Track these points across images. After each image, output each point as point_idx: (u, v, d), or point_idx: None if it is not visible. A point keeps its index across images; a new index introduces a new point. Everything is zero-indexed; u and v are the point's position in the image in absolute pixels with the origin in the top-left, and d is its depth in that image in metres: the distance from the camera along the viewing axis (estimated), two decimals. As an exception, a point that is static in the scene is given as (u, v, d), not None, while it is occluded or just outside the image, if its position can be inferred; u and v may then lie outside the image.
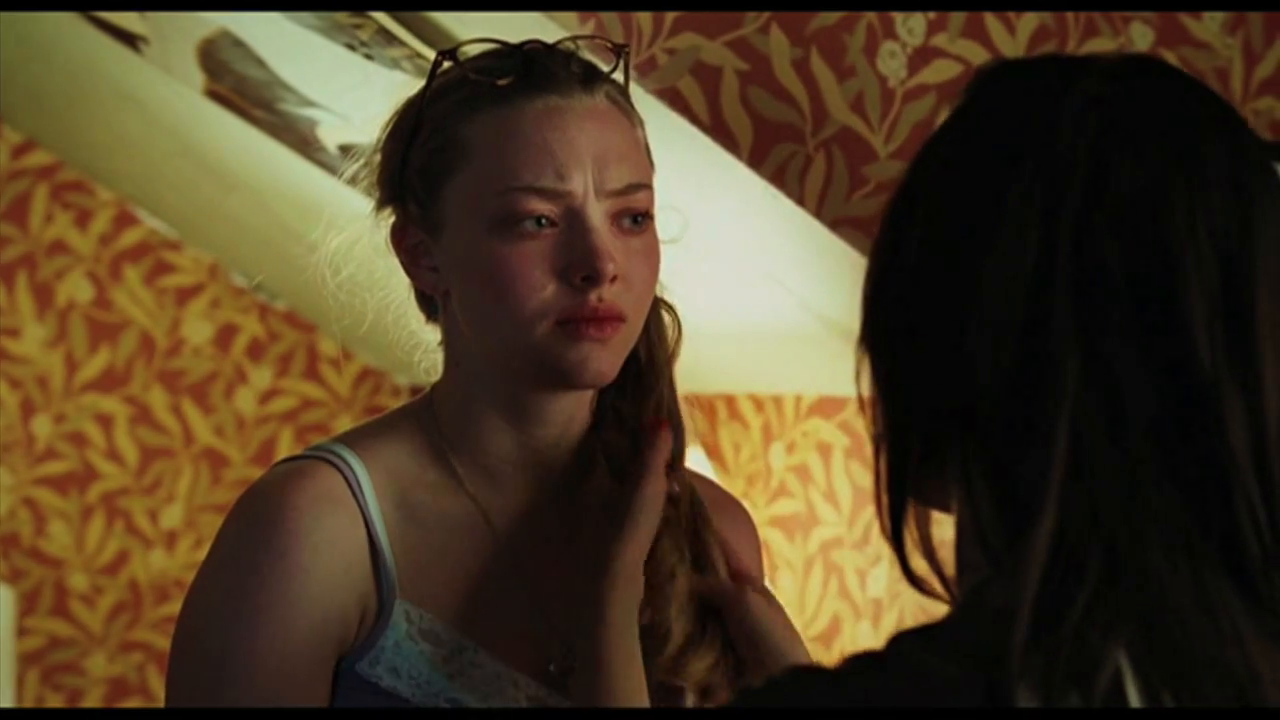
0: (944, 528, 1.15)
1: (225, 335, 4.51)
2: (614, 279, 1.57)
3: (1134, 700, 1.03)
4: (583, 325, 1.57)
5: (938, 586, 1.13)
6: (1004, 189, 1.09)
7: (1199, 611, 1.05)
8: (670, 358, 1.70)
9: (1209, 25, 2.50)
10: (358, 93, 2.93)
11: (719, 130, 2.36)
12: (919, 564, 1.14)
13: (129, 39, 3.39)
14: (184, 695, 1.58)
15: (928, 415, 1.11)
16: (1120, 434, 1.06)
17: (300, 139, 3.38)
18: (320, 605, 1.57)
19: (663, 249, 1.64)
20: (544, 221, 1.57)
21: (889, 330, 1.13)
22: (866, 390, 1.15)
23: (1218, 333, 1.07)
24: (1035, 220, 1.08)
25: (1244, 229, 1.08)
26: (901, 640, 1.07)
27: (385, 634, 1.59)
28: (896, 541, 1.14)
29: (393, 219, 1.66)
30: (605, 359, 1.59)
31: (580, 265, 1.57)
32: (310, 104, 3.23)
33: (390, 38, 2.70)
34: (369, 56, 2.81)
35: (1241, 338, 1.07)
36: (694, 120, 2.34)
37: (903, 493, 1.14)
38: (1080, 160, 1.09)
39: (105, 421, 4.45)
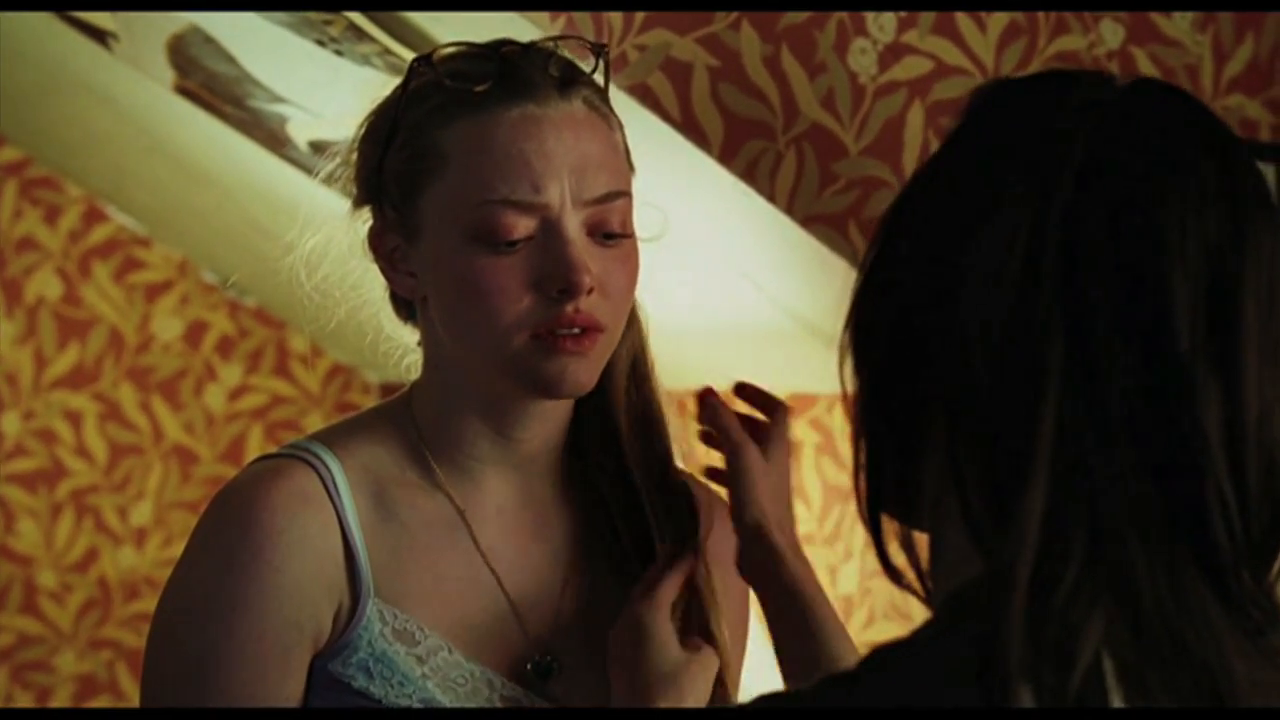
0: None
1: (195, 332, 4.50)
2: (591, 290, 1.56)
3: (1112, 688, 1.04)
4: (560, 338, 1.56)
5: (914, 579, 1.14)
6: (995, 181, 1.10)
7: (1173, 602, 1.06)
8: (650, 360, 1.70)
9: (1179, 23, 2.51)
10: (328, 89, 2.92)
11: (690, 127, 2.36)
12: (897, 556, 1.15)
13: (99, 35, 3.38)
14: (158, 694, 1.59)
15: (913, 403, 1.11)
16: (1102, 421, 1.07)
17: (270, 135, 3.37)
18: (294, 604, 1.57)
19: (639, 247, 1.63)
20: (518, 244, 1.57)
21: (876, 321, 1.14)
22: (848, 385, 1.15)
23: (1200, 321, 1.07)
24: (1026, 211, 1.09)
25: (1235, 232, 1.09)
26: (879, 654, 1.08)
27: (358, 633, 1.59)
28: (875, 529, 1.14)
29: (370, 222, 1.65)
30: (584, 370, 1.58)
31: (556, 278, 1.56)
32: (280, 100, 3.22)
33: (360, 34, 2.70)
34: (339, 53, 2.81)
35: (1224, 330, 1.08)
36: (664, 117, 2.34)
37: (880, 480, 1.14)
38: (1074, 156, 1.10)
39: (74, 418, 4.44)
